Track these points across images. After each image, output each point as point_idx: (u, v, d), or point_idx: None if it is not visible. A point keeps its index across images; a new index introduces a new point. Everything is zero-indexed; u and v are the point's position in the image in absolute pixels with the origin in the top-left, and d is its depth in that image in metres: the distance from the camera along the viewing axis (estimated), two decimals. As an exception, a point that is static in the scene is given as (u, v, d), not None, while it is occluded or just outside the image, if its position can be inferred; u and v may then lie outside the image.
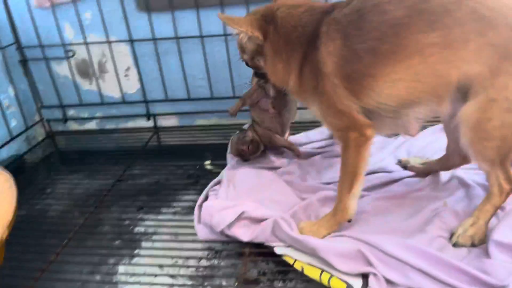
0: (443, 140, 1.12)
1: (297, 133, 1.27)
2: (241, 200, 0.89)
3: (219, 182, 1.01)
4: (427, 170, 1.01)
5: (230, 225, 0.80)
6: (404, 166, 1.04)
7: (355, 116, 0.83)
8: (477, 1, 0.73)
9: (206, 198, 0.98)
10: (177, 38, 1.33)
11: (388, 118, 0.84)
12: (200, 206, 0.96)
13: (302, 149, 1.15)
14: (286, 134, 1.16)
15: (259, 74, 1.02)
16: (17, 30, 1.39)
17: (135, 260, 0.95)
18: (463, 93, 0.76)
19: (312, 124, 1.29)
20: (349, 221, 0.87)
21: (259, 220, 0.80)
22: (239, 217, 0.80)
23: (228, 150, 1.19)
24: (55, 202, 1.21)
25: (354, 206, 0.86)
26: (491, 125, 0.74)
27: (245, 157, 1.14)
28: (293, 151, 1.14)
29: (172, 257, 0.92)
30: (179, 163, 1.36)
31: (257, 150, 1.13)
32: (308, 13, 0.87)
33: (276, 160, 1.09)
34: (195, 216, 0.94)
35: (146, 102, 1.46)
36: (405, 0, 0.77)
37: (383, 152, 1.12)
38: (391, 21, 0.77)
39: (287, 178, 1.02)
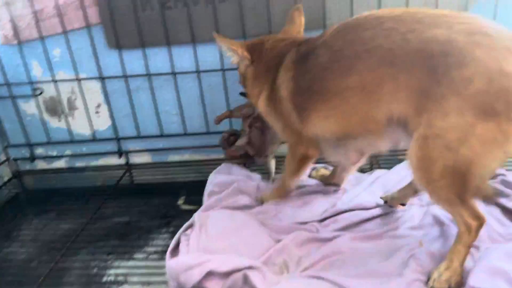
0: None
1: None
2: (209, 252, 0.86)
3: (191, 226, 0.97)
4: (405, 196, 1.01)
5: (199, 281, 0.77)
6: (386, 201, 1.04)
7: (303, 138, 0.97)
8: (390, 49, 0.76)
9: (178, 243, 0.94)
10: (148, 75, 1.31)
11: (330, 147, 0.96)
12: (171, 253, 0.92)
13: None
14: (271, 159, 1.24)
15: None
16: (-17, 68, 1.35)
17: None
18: (406, 129, 0.79)
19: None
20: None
21: (228, 273, 0.77)
22: (207, 275, 0.77)
23: (206, 189, 1.15)
24: (20, 249, 1.15)
25: (293, 185, 1.07)
26: (434, 165, 0.74)
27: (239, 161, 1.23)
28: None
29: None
30: (152, 202, 1.32)
31: (231, 144, 1.22)
32: (288, 46, 0.98)
33: (250, 199, 1.07)
34: (167, 263, 0.90)
35: (117, 139, 1.42)
36: (331, 46, 0.84)
37: (358, 188, 1.11)
38: (320, 65, 0.86)
39: (261, 218, 1.00)
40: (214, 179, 1.16)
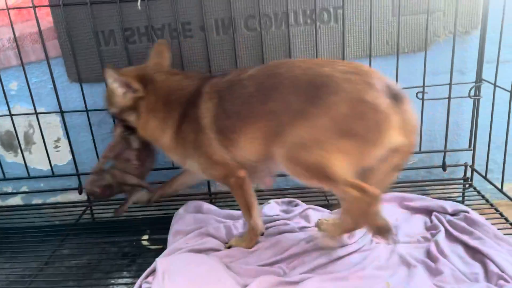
0: (383, 209, 1.14)
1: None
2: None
3: (153, 271, 0.93)
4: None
5: None
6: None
7: (229, 164, 1.01)
8: (293, 81, 0.92)
9: (140, 291, 0.90)
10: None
11: (252, 173, 1.04)
12: (133, 301, 0.88)
13: (244, 227, 1.11)
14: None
15: (127, 126, 1.10)
16: None
17: None
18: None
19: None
20: (262, 234, 1.06)
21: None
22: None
23: (171, 228, 1.11)
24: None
25: (260, 222, 1.06)
26: (300, 162, 0.91)
27: (97, 198, 1.19)
28: (145, 188, 1.19)
29: None
30: (114, 240, 1.26)
31: (111, 195, 1.16)
32: (188, 80, 1.06)
33: (217, 242, 1.03)
34: (126, 315, 0.85)
35: (78, 174, 1.36)
36: (256, 78, 0.98)
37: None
38: (247, 93, 0.97)
39: (227, 262, 0.97)
40: (180, 218, 1.13)
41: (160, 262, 0.92)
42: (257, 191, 1.35)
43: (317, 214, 1.16)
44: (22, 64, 1.22)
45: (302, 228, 1.10)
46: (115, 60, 1.21)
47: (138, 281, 0.92)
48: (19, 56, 1.20)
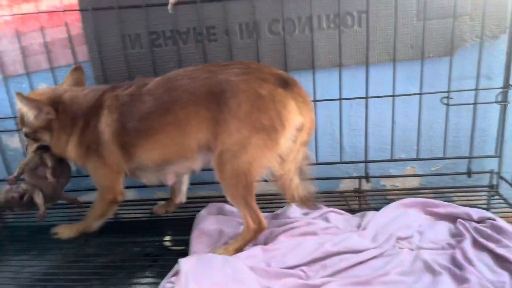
0: (406, 215, 1.12)
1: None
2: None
3: (177, 272, 0.94)
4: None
5: None
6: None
7: (116, 185, 1.13)
8: (193, 92, 1.01)
9: (162, 292, 0.91)
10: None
11: (150, 173, 1.14)
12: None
13: (266, 230, 1.11)
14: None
15: (41, 145, 1.17)
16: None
17: None
18: (211, 151, 1.04)
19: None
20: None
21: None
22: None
23: (192, 229, 1.12)
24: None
25: (96, 226, 1.20)
26: (225, 169, 1.00)
27: (12, 208, 1.19)
28: (75, 203, 1.31)
29: None
30: (136, 240, 1.28)
31: (29, 204, 1.18)
32: (92, 92, 1.12)
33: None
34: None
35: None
36: (154, 94, 1.04)
37: (347, 229, 1.10)
38: (146, 108, 1.04)
39: (249, 263, 0.97)
40: (203, 219, 1.13)
41: (183, 263, 0.93)
42: (278, 194, 1.36)
43: (338, 217, 1.15)
44: (52, 68, 1.26)
45: (323, 230, 1.09)
46: (141, 63, 1.24)
47: (163, 282, 0.93)
48: (49, 60, 1.25)
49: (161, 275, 1.09)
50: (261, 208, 1.23)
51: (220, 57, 1.22)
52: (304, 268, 0.97)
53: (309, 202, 1.10)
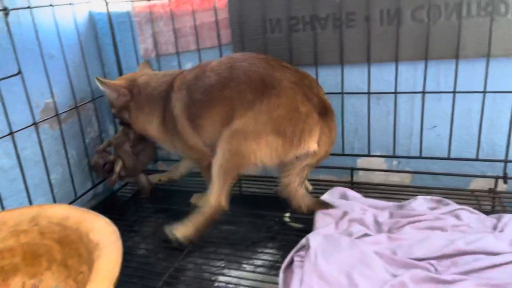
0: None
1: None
2: (324, 279, 0.86)
3: (304, 246, 0.99)
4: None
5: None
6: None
7: (202, 150, 1.22)
8: (248, 75, 1.09)
9: (290, 262, 0.97)
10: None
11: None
12: (285, 270, 0.95)
13: (390, 218, 1.11)
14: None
15: (125, 124, 1.34)
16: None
17: (216, 318, 0.95)
18: None
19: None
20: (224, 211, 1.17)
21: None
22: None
23: (316, 213, 1.16)
24: (140, 244, 1.26)
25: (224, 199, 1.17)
26: (231, 141, 1.08)
27: (97, 171, 1.42)
28: (144, 188, 1.49)
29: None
30: (259, 213, 1.36)
31: (109, 172, 1.39)
32: (164, 77, 1.25)
33: (364, 228, 1.05)
34: (280, 281, 0.92)
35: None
36: (217, 70, 1.14)
37: (482, 229, 1.04)
38: (209, 83, 1.14)
39: (375, 249, 0.98)
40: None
41: (312, 239, 0.97)
42: (403, 186, 1.34)
43: (471, 216, 1.10)
44: (199, 49, 1.38)
45: (453, 227, 1.05)
46: (278, 48, 1.30)
47: (291, 253, 0.98)
48: (197, 42, 1.37)
49: (282, 248, 1.16)
50: (384, 198, 1.23)
51: (357, 42, 1.23)
52: (433, 262, 0.95)
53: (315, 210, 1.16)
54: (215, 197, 1.12)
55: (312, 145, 1.07)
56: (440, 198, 1.20)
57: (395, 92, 1.25)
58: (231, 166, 1.09)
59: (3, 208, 1.13)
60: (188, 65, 1.44)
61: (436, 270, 0.93)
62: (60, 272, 0.92)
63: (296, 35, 1.27)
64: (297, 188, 1.12)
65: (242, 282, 1.04)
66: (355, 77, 1.29)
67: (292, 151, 1.07)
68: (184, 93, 1.18)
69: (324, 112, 1.09)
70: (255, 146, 1.05)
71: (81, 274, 0.88)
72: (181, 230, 1.15)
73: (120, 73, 1.51)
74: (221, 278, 1.08)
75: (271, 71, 1.09)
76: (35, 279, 0.92)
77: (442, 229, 1.05)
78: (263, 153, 1.06)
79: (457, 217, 1.10)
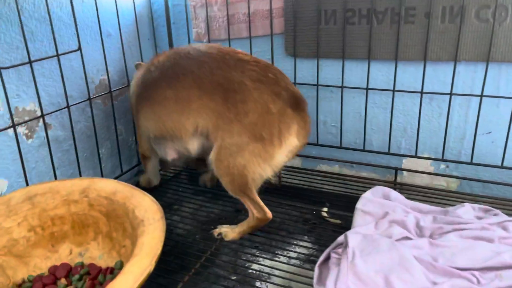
0: None
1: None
2: (360, 279, 0.85)
3: (341, 244, 0.98)
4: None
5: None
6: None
7: (142, 143, 1.28)
8: (200, 76, 1.03)
9: (327, 258, 0.96)
10: (317, 85, 1.36)
11: (154, 144, 1.22)
12: (320, 266, 0.95)
13: (433, 223, 1.08)
14: None
15: None
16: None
17: (248, 303, 0.97)
18: (208, 139, 1.08)
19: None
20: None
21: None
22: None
23: (357, 207, 1.14)
24: (179, 223, 1.29)
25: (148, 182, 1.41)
26: (222, 165, 1.04)
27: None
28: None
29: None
30: (296, 205, 1.36)
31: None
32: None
33: (405, 231, 1.03)
34: (315, 276, 0.92)
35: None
36: (161, 67, 1.09)
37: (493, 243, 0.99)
38: (152, 78, 1.10)
39: (415, 253, 0.96)
40: (368, 201, 1.14)
41: (350, 237, 0.96)
42: (448, 191, 1.30)
43: (521, 230, 1.05)
44: (250, 37, 1.38)
45: (501, 239, 1.01)
46: (331, 39, 1.27)
47: (328, 250, 0.98)
48: (249, 29, 1.37)
49: (318, 243, 1.16)
50: (427, 202, 1.20)
51: (414, 39, 1.18)
52: (475, 273, 0.91)
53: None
54: (255, 211, 1.10)
55: (293, 141, 1.06)
56: (489, 207, 1.15)
57: (450, 94, 1.20)
58: (238, 186, 1.06)
59: (55, 177, 1.19)
60: (238, 52, 1.44)
61: (478, 282, 0.89)
62: (105, 244, 0.96)
63: (351, 28, 1.24)
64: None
65: (275, 272, 1.05)
66: (408, 75, 1.24)
67: (276, 152, 1.04)
68: (135, 82, 1.19)
69: (296, 104, 1.05)
70: (242, 160, 1.02)
71: (124, 248, 0.92)
72: (226, 233, 1.16)
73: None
74: (255, 266, 1.09)
75: (227, 71, 1.02)
76: (82, 248, 0.97)
77: (488, 240, 1.01)
78: (251, 164, 1.03)
79: (505, 229, 1.05)
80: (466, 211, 1.12)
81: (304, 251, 1.14)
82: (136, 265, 0.72)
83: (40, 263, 0.93)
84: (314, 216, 1.30)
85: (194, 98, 1.04)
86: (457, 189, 1.32)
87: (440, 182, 1.33)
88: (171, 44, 1.53)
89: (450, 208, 1.14)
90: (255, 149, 1.01)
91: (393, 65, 1.24)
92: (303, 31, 1.30)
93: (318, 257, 0.98)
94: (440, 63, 1.20)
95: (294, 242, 1.18)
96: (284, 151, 1.06)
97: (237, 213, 1.30)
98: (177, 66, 1.07)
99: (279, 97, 1.03)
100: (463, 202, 1.19)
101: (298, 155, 1.49)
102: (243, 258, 1.12)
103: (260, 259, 1.11)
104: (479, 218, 1.12)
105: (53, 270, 0.92)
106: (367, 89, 1.29)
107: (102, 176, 1.36)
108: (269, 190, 1.43)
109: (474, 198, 1.26)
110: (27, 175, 1.12)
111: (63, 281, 0.90)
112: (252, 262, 1.11)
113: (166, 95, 1.07)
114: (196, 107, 1.04)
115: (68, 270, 0.92)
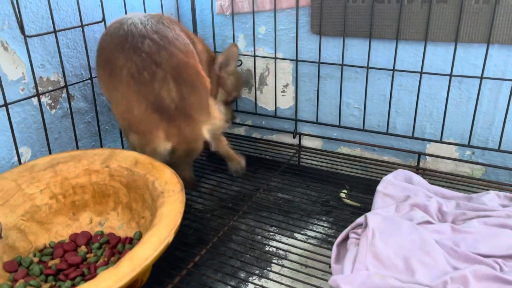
0: None
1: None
2: (379, 260, 0.84)
3: (360, 224, 0.97)
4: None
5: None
6: None
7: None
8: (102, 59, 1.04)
9: (346, 238, 0.95)
10: (342, 65, 1.32)
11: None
12: (339, 245, 0.94)
13: (456, 209, 1.05)
14: None
15: None
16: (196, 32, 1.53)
17: (263, 281, 0.97)
18: None
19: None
20: None
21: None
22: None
23: (379, 189, 1.12)
24: (198, 199, 1.30)
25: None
26: None
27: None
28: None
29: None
30: (315, 186, 1.35)
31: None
32: None
33: (427, 216, 1.01)
34: (333, 255, 0.92)
35: (296, 120, 1.48)
36: (114, 41, 1.00)
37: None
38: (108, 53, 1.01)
39: (437, 237, 0.94)
40: (389, 184, 1.12)
41: (371, 219, 0.95)
42: (473, 178, 1.26)
43: (548, 220, 1.01)
44: (275, 10, 1.35)
45: (526, 230, 0.98)
46: (358, 17, 1.24)
47: (347, 229, 0.97)
48: (274, 2, 1.34)
49: (336, 224, 1.15)
50: (451, 188, 1.17)
51: (445, 19, 1.14)
52: (498, 260, 0.89)
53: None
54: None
55: (160, 144, 0.98)
56: (515, 196, 1.12)
57: (481, 77, 1.15)
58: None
59: (77, 148, 1.20)
60: (262, 28, 1.42)
61: (501, 269, 0.87)
62: (124, 214, 0.97)
63: (379, 6, 1.20)
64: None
65: (293, 249, 1.04)
66: (438, 57, 1.20)
67: (150, 146, 0.99)
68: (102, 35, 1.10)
69: (163, 112, 0.95)
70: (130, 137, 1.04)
71: (143, 219, 0.92)
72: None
73: (195, 28, 1.52)
74: (272, 243, 1.09)
75: (119, 51, 0.97)
76: (102, 217, 0.99)
77: (513, 228, 0.98)
78: (137, 142, 1.02)
79: (532, 218, 1.02)
80: (491, 198, 1.09)
81: (322, 231, 1.13)
82: (156, 235, 0.72)
83: (61, 230, 0.95)
84: (333, 198, 1.29)
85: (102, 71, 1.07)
86: (482, 177, 1.28)
87: (465, 169, 1.30)
88: (194, 18, 1.51)
89: (475, 195, 1.11)
90: (134, 137, 1.02)
91: (422, 46, 1.20)
92: (330, 7, 1.26)
93: (336, 237, 0.97)
94: (472, 45, 1.15)
95: (312, 222, 1.17)
96: (158, 149, 1.01)
97: (255, 192, 1.30)
98: (105, 35, 1.07)
99: (146, 99, 0.96)
100: (488, 189, 1.15)
101: (318, 137, 1.48)
102: (261, 235, 1.12)
103: (278, 236, 1.11)
104: (504, 206, 1.09)
105: (73, 237, 0.94)
106: (393, 70, 1.25)
107: (123, 148, 1.37)
108: (288, 170, 1.43)
109: (500, 186, 1.22)
110: (50, 145, 1.13)
111: (83, 248, 0.91)
112: (270, 239, 1.10)
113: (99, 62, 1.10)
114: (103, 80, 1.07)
115: (88, 238, 0.94)
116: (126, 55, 0.95)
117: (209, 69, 1.30)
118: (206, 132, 1.06)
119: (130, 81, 0.95)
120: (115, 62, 0.97)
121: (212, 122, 1.08)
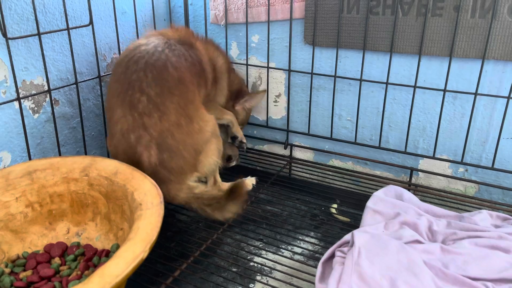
0: None
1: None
2: (364, 281, 0.81)
3: (347, 242, 0.94)
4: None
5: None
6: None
7: None
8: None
9: (332, 256, 0.92)
10: (335, 76, 1.30)
11: None
12: (324, 263, 0.90)
13: (446, 228, 1.02)
14: None
15: None
16: (190, 41, 1.51)
17: (247, 296, 0.93)
18: None
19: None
20: None
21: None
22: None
23: (368, 205, 1.09)
24: (184, 208, 1.25)
25: None
26: None
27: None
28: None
29: (283, 306, 0.88)
30: (305, 199, 1.32)
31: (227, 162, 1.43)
32: None
33: (416, 234, 0.97)
34: (318, 274, 0.88)
35: (287, 131, 1.45)
36: (121, 66, 1.03)
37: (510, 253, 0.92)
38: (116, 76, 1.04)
39: (425, 258, 0.90)
40: (380, 200, 1.09)
41: (357, 236, 0.91)
42: (466, 196, 1.23)
43: (541, 243, 0.98)
44: (269, 21, 1.32)
45: (518, 252, 0.95)
46: (351, 29, 1.21)
47: (333, 247, 0.93)
48: (268, 13, 1.31)
49: (324, 240, 1.12)
50: (442, 206, 1.14)
51: (440, 33, 1.11)
52: (488, 284, 0.86)
53: None
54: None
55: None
56: (508, 216, 1.08)
57: (476, 94, 1.13)
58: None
59: (60, 154, 1.17)
60: (255, 36, 1.40)
61: (491, 294, 0.84)
62: (103, 225, 0.93)
63: (374, 18, 1.17)
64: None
65: (278, 267, 1.01)
66: (432, 71, 1.18)
67: None
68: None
69: (151, 171, 0.97)
70: None
71: (121, 231, 0.89)
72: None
73: (187, 37, 1.50)
74: (257, 259, 1.05)
75: (118, 104, 1.00)
76: (79, 228, 0.95)
77: (505, 250, 0.95)
78: None
79: (525, 240, 0.99)
80: (483, 218, 1.06)
81: (309, 247, 1.10)
82: (129, 250, 0.69)
83: (36, 240, 0.91)
84: (323, 212, 1.26)
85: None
86: (475, 195, 1.25)
87: (458, 186, 1.27)
88: (187, 25, 1.49)
89: (466, 214, 1.08)
90: None
91: (416, 60, 1.18)
92: (323, 18, 1.24)
93: (323, 254, 0.94)
94: (467, 60, 1.13)
95: (300, 237, 1.14)
96: None
97: (243, 204, 1.26)
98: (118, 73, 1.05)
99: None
100: (480, 208, 1.12)
101: (310, 148, 1.45)
102: (246, 250, 1.09)
103: (263, 252, 1.08)
104: (497, 226, 1.06)
105: (48, 248, 0.90)
106: (387, 83, 1.23)
107: (108, 156, 1.34)
108: (278, 182, 1.39)
109: (493, 205, 1.19)
110: (32, 151, 1.10)
111: (57, 260, 0.87)
112: (255, 255, 1.07)
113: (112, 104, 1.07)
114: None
115: (64, 249, 0.90)
116: (124, 110, 0.98)
117: (228, 96, 1.32)
118: (183, 195, 1.03)
119: (121, 139, 0.98)
120: (114, 112, 1.00)
121: (190, 186, 1.04)
